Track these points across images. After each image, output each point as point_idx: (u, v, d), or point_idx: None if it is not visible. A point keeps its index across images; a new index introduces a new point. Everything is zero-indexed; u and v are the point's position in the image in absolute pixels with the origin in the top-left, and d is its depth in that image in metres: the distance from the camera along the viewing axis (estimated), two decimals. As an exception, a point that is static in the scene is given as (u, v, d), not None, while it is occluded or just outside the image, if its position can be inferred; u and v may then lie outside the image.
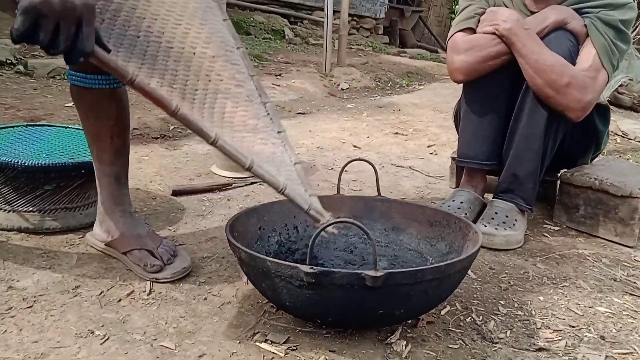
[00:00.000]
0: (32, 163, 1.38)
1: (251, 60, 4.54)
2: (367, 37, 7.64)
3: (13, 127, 1.67)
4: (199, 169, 2.09)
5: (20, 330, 1.05)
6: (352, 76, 4.36)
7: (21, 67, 3.28)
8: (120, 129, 1.31)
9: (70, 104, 2.77)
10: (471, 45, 1.64)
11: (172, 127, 2.62)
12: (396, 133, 2.89)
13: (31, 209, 1.43)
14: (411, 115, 3.34)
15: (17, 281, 1.21)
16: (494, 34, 1.60)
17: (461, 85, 1.76)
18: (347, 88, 4.15)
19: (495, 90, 1.68)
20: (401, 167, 2.30)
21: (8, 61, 3.30)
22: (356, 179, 2.09)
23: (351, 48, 5.94)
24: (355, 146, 2.59)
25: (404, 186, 2.06)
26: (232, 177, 2.00)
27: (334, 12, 4.39)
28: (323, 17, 6.83)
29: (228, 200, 1.83)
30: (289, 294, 1.02)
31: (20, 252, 1.33)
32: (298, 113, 3.29)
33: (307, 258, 0.96)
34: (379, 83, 4.51)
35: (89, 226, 1.46)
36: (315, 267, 0.95)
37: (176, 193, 1.82)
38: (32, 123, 1.68)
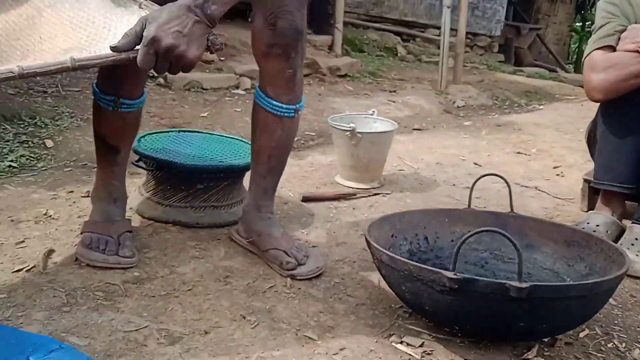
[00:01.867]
0: (189, 164, 1.55)
1: (365, 76, 4.66)
2: (481, 55, 7.49)
3: (168, 132, 1.87)
4: (323, 178, 2.19)
5: (184, 309, 1.18)
6: (468, 94, 4.31)
7: (161, 80, 3.62)
8: (279, 152, 1.42)
9: (205, 114, 3.02)
10: (611, 64, 1.60)
11: (296, 139, 2.76)
12: (518, 152, 2.82)
13: (185, 204, 1.59)
14: (533, 135, 3.24)
15: (177, 267, 1.35)
16: (636, 52, 1.55)
17: (592, 105, 1.71)
18: (464, 106, 4.11)
19: (636, 110, 1.62)
20: (526, 187, 2.25)
21: (150, 74, 3.65)
22: (479, 196, 2.08)
23: (465, 66, 5.85)
24: (476, 164, 2.57)
25: (531, 206, 2.02)
26: (356, 188, 2.08)
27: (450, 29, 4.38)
28: (436, 35, 6.82)
29: (353, 209, 1.90)
30: (429, 298, 1.06)
31: (177, 242, 1.49)
32: (414, 129, 3.32)
33: (452, 264, 1.00)
34: (496, 101, 4.42)
35: (232, 224, 1.59)
36: (459, 274, 0.99)
37: (306, 199, 1.92)
38: (184, 129, 1.87)
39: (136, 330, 1.08)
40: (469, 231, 1.43)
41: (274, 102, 1.36)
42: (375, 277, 1.42)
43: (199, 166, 1.56)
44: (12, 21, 1.32)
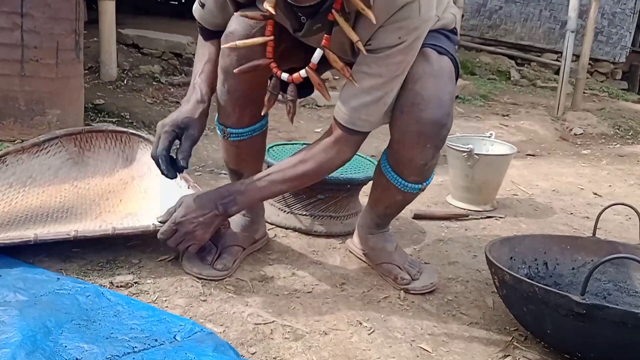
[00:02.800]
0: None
1: (477, 99, 4.58)
2: (601, 81, 7.07)
3: (294, 144, 1.99)
4: (434, 197, 2.20)
5: (305, 309, 1.25)
6: (587, 121, 4.10)
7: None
8: (397, 207, 1.43)
9: (319, 130, 3.15)
10: None
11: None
12: (643, 185, 2.66)
13: (305, 213, 1.68)
14: (661, 168, 3.03)
15: (297, 270, 1.44)
16: None
17: None
18: (582, 133, 3.92)
19: None
20: (652, 221, 2.11)
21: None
22: (600, 226, 1.98)
23: (584, 93, 5.59)
24: (595, 194, 2.45)
25: (658, 241, 1.90)
26: (469, 209, 2.07)
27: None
28: (553, 60, 6.55)
29: (465, 230, 1.90)
30: (552, 322, 1.05)
31: (296, 247, 1.58)
32: (527, 154, 3.22)
33: (581, 288, 0.98)
34: (618, 131, 4.17)
35: (346, 234, 1.66)
36: (588, 299, 0.97)
37: (417, 217, 1.95)
38: (308, 142, 1.97)
39: (264, 323, 1.17)
40: (592, 260, 1.40)
41: (400, 179, 1.31)
42: (489, 298, 1.41)
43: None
44: (113, 184, 1.71)
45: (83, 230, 1.32)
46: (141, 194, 1.63)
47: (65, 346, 0.94)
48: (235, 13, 1.25)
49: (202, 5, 1.30)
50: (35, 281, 1.15)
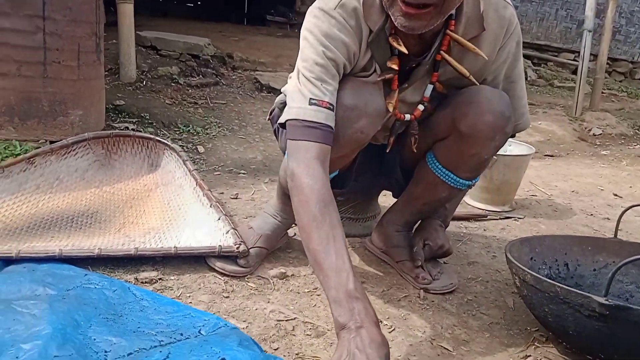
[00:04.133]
0: (332, 175, 1.65)
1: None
2: (620, 81, 7.00)
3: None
4: (452, 198, 2.20)
5: (326, 307, 1.26)
6: (606, 122, 4.06)
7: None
8: (436, 205, 1.44)
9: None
10: None
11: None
12: (664, 186, 2.63)
13: (324, 212, 1.69)
14: (682, 169, 2.99)
15: (318, 269, 1.45)
16: None
17: None
18: (600, 134, 3.89)
19: None
20: (674, 222, 2.10)
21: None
22: (621, 228, 1.97)
23: (602, 93, 5.53)
24: (615, 195, 2.43)
25: (680, 243, 1.88)
26: (487, 210, 2.07)
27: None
28: (570, 59, 6.49)
29: (484, 230, 1.90)
30: (575, 323, 1.04)
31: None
32: (546, 155, 3.21)
33: (604, 289, 0.98)
34: (638, 131, 4.12)
35: (365, 236, 1.66)
36: (611, 300, 0.97)
37: (435, 217, 1.95)
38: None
39: (286, 320, 1.19)
40: (614, 261, 1.39)
41: (452, 176, 1.33)
42: (510, 298, 1.41)
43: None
44: (137, 189, 1.72)
45: (106, 248, 1.31)
46: (163, 207, 1.63)
47: (94, 339, 0.97)
48: (381, 112, 1.22)
49: (316, 101, 1.10)
50: (63, 276, 1.18)
